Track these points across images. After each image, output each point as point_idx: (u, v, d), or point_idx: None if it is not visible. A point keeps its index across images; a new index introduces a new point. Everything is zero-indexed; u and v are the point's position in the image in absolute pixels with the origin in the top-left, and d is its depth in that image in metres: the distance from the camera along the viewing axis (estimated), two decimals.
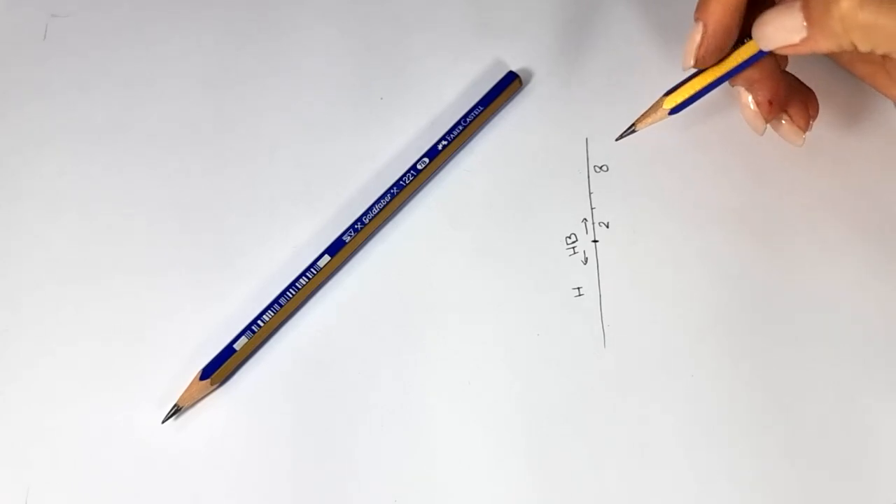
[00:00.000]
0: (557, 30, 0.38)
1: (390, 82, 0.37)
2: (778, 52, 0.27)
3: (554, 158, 0.35)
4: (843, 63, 0.32)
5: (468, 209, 0.35)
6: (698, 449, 0.30)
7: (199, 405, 0.32)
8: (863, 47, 0.25)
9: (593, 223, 0.34)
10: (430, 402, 0.31)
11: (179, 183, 0.36)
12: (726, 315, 0.32)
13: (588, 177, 0.35)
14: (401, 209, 0.35)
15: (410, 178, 0.34)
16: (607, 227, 0.34)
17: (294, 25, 0.39)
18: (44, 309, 0.34)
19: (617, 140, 0.31)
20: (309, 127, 0.37)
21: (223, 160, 0.36)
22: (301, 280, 0.33)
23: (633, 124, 0.31)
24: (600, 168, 0.35)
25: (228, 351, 0.32)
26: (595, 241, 0.34)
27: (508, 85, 0.36)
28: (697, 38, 0.28)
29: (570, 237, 0.34)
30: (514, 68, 0.37)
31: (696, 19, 0.28)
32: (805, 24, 0.25)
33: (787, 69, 0.32)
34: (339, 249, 0.33)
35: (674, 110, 0.30)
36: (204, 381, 0.31)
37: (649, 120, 0.30)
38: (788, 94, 0.31)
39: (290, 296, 0.33)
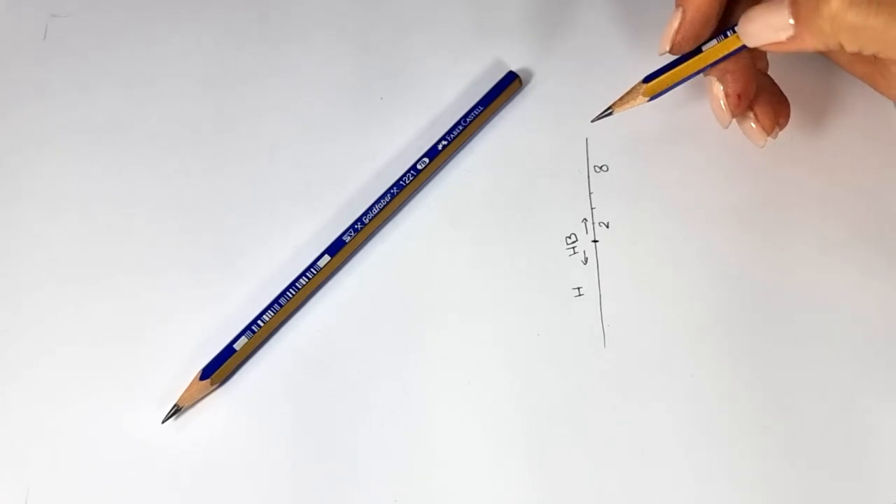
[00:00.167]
0: (558, 30, 0.38)
1: (390, 82, 0.37)
2: (763, 49, 0.27)
3: (554, 158, 0.35)
4: (841, 63, 0.32)
5: (468, 209, 0.35)
6: (698, 449, 0.30)
7: (199, 405, 0.32)
8: (850, 47, 0.25)
9: (593, 223, 0.34)
10: (430, 402, 0.31)
11: (179, 183, 0.36)
12: (726, 315, 0.32)
13: (588, 177, 0.35)
14: (401, 209, 0.35)
15: (410, 178, 0.34)
16: (607, 227, 0.34)
17: (294, 25, 0.39)
18: (44, 309, 0.34)
19: (593, 122, 0.31)
20: (309, 127, 0.37)
21: (223, 160, 0.36)
22: (301, 280, 0.33)
23: (610, 107, 0.31)
24: (600, 168, 0.35)
25: (228, 351, 0.32)
26: (595, 241, 0.34)
27: (508, 85, 0.36)
28: (675, 24, 0.28)
29: (570, 237, 0.34)
30: (514, 68, 0.37)
31: (677, 5, 0.28)
32: (792, 22, 0.25)
33: (785, 69, 0.32)
34: (339, 249, 0.33)
35: (653, 97, 0.30)
36: (204, 381, 0.31)
37: (627, 105, 0.30)
38: (759, 92, 0.31)
39: (290, 296, 0.33)
